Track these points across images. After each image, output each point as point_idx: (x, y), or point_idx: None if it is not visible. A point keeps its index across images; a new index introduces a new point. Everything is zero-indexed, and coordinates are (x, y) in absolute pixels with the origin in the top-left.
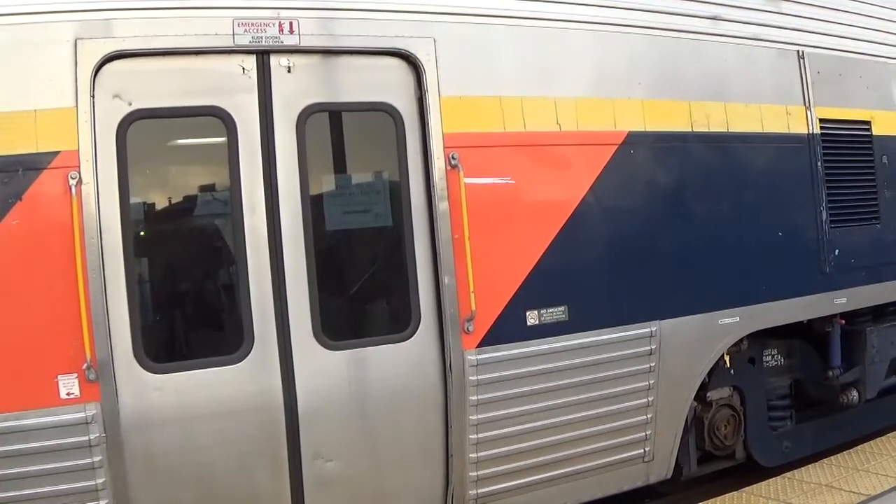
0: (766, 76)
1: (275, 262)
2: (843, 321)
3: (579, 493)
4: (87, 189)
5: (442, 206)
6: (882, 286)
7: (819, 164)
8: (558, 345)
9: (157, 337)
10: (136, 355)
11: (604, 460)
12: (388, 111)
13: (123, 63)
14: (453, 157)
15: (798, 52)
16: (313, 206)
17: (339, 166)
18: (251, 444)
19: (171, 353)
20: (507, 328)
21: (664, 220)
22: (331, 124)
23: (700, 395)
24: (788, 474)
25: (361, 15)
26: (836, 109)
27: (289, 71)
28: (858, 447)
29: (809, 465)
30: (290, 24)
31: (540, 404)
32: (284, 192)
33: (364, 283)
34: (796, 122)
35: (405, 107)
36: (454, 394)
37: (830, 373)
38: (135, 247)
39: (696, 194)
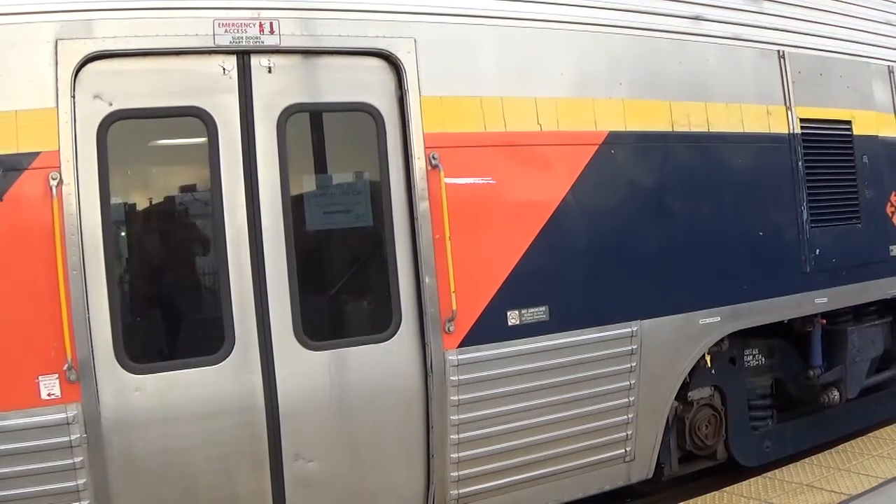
0: (746, 76)
1: (255, 262)
2: (825, 321)
3: (561, 492)
4: (68, 189)
5: (422, 206)
6: (863, 286)
7: (800, 163)
8: (539, 345)
9: (137, 337)
10: (116, 356)
11: (585, 460)
12: (368, 111)
13: (104, 63)
14: (434, 157)
15: (779, 52)
16: (294, 207)
17: (320, 166)
18: (232, 445)
19: (152, 354)
20: (488, 328)
21: (645, 221)
22: (311, 124)
23: (681, 395)
24: (769, 474)
25: (342, 15)
26: (816, 109)
27: (269, 71)
28: (839, 447)
29: (790, 465)
30: (271, 24)
31: (521, 404)
32: (265, 193)
33: (345, 283)
34: (777, 121)
35: (386, 107)
36: (435, 394)
37: (811, 372)
38: (115, 247)
39: (677, 194)
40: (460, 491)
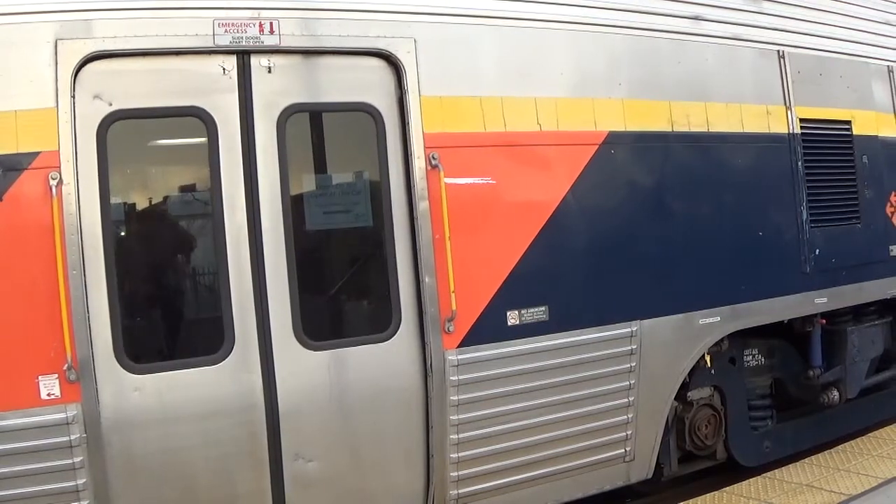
0: (746, 76)
1: (255, 262)
2: (824, 321)
3: (560, 492)
4: (68, 189)
5: (422, 206)
6: (862, 286)
7: (799, 163)
8: (539, 345)
9: (137, 337)
10: (116, 356)
11: (585, 460)
12: (368, 111)
13: (104, 63)
14: (433, 157)
15: (779, 51)
16: (294, 207)
17: (320, 166)
18: (232, 445)
19: (152, 354)
20: (487, 328)
21: (644, 221)
22: (311, 124)
23: (681, 395)
24: (769, 474)
25: (342, 15)
26: (816, 109)
27: (269, 71)
28: (839, 447)
29: (790, 465)
30: (271, 24)
31: (521, 404)
32: (265, 193)
33: (345, 283)
34: (777, 121)
35: (386, 107)
36: (435, 394)
37: (811, 372)
38: (115, 247)
39: (677, 194)
40: (460, 491)
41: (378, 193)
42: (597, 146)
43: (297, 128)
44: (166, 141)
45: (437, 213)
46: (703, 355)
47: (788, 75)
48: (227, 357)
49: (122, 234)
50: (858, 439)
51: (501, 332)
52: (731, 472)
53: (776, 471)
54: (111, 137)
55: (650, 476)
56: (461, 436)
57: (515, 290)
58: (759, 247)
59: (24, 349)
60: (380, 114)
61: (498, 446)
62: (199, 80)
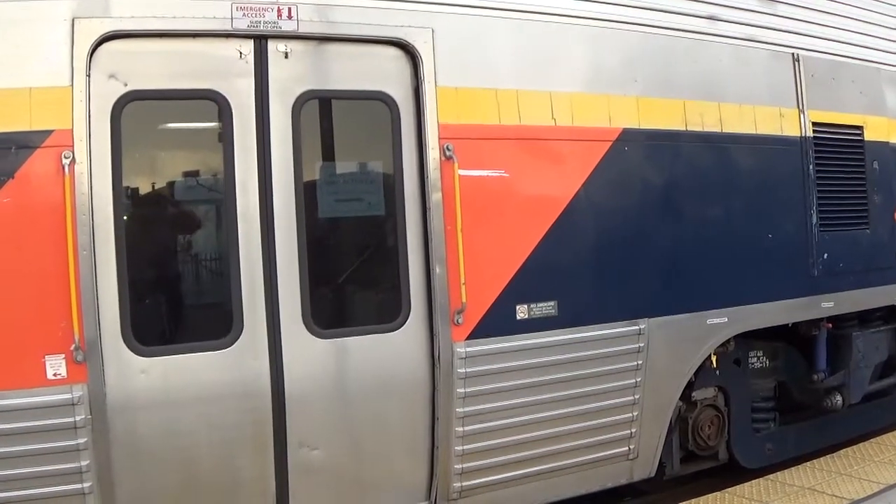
0: (760, 77)
1: (266, 248)
2: (830, 325)
3: (563, 488)
4: (81, 169)
5: (435, 196)
6: (869, 291)
7: (810, 167)
8: (547, 340)
9: (145, 319)
10: (123, 337)
11: (589, 456)
12: (384, 100)
13: (120, 43)
14: (448, 149)
15: (793, 54)
16: (306, 194)
17: (334, 154)
18: (236, 430)
19: (159, 337)
20: (496, 321)
21: (656, 219)
22: (326, 111)
23: (685, 395)
24: (771, 476)
25: (360, 3)
26: (828, 113)
27: (286, 57)
28: (841, 451)
29: (792, 468)
30: (289, 9)
31: (527, 399)
32: (278, 179)
33: (355, 271)
34: (789, 124)
35: (401, 96)
36: (442, 386)
37: (815, 376)
38: (126, 228)
39: (689, 194)
40: (463, 484)
41: (391, 183)
42: (610, 143)
43: (311, 114)
44: (180, 124)
45: (450, 204)
46: (709, 355)
47: (802, 78)
48: (234, 342)
49: (134, 215)
50: (861, 444)
51: (510, 326)
52: (732, 473)
53: (778, 473)
54: (125, 118)
55: (653, 475)
56: (466, 428)
57: (525, 284)
58: (769, 248)
59: (32, 328)
60: (395, 103)
61: (502, 440)
62: (215, 63)
